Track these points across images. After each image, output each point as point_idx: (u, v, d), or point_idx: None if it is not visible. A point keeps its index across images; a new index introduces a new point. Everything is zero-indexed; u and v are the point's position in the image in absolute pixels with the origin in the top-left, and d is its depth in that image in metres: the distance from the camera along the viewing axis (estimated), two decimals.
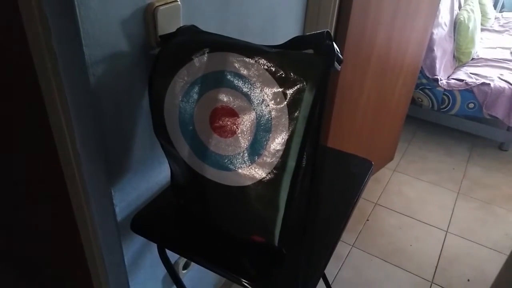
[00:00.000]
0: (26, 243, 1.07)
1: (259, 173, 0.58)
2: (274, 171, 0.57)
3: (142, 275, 0.95)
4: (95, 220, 0.80)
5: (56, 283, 1.11)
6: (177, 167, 0.70)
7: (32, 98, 0.68)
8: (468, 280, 1.55)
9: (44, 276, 1.13)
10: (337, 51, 0.56)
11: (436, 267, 1.60)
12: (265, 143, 0.56)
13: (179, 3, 0.72)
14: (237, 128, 0.58)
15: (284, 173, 0.57)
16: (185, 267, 1.09)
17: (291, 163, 0.56)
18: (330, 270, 1.55)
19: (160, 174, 0.87)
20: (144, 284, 0.98)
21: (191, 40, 0.62)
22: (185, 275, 1.11)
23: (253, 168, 0.58)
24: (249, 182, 0.59)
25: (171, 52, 0.62)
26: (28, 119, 0.76)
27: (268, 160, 0.57)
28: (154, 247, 0.95)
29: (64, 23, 0.57)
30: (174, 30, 0.67)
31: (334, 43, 0.56)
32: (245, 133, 0.57)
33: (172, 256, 0.87)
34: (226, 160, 0.60)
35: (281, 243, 0.65)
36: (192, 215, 0.76)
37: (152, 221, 0.79)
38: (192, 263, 1.11)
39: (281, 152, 0.56)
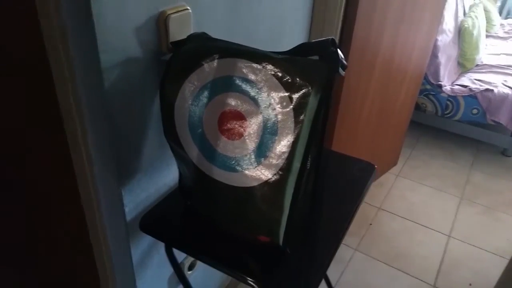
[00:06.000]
0: (33, 243, 1.09)
1: (265, 174, 0.60)
2: (280, 173, 0.59)
3: (149, 274, 0.98)
4: (104, 219, 0.82)
5: (63, 282, 1.13)
6: (185, 169, 0.73)
7: (47, 101, 0.71)
8: (470, 285, 1.56)
9: (51, 275, 1.15)
10: (341, 57, 0.58)
11: (438, 271, 1.61)
12: (271, 145, 0.59)
13: (190, 11, 0.75)
14: (245, 131, 0.60)
15: (289, 174, 0.59)
16: (190, 268, 1.11)
17: (296, 165, 0.59)
18: (333, 274, 1.56)
19: (168, 176, 0.90)
20: (150, 283, 1.00)
21: (201, 47, 0.65)
22: (191, 276, 1.13)
23: (259, 169, 0.60)
24: (255, 183, 0.61)
25: (182, 58, 0.65)
26: (42, 121, 0.79)
27: (274, 161, 0.59)
28: (161, 247, 0.97)
29: (81, 31, 0.59)
30: (185, 37, 0.69)
31: (338, 49, 0.58)
32: (252, 135, 0.60)
33: (178, 257, 0.89)
34: (233, 162, 0.62)
35: (285, 243, 0.67)
36: (199, 216, 0.78)
37: (160, 221, 0.82)
38: (197, 265, 1.13)
39: (286, 154, 0.58)
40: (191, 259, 1.09)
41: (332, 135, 1.61)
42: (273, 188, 0.61)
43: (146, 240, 0.91)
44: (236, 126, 0.61)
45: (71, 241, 0.96)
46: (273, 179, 0.60)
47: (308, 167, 0.63)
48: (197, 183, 0.71)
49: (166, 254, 0.85)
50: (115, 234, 0.85)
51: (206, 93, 0.62)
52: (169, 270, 1.05)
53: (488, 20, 3.09)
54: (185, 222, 0.81)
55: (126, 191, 0.80)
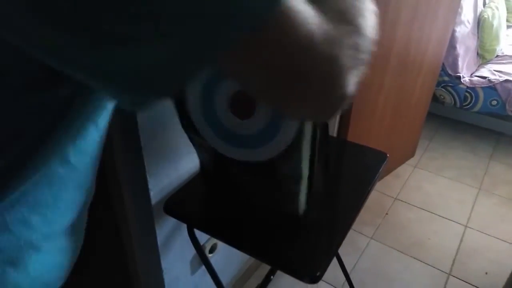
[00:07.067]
0: None
1: (276, 148, 0.66)
2: (290, 148, 0.64)
3: (172, 256, 1.05)
4: (132, 202, 0.89)
5: (91, 265, 1.19)
6: (204, 153, 0.79)
7: None
8: (486, 273, 1.57)
9: (79, 259, 1.22)
10: None
11: (454, 260, 1.64)
12: (280, 122, 0.64)
13: None
14: (255, 110, 0.65)
15: (301, 147, 0.64)
16: (211, 251, 1.18)
17: (306, 140, 0.64)
18: (348, 261, 1.61)
19: (189, 163, 0.96)
20: (173, 264, 1.07)
21: None
22: (211, 259, 1.19)
23: (270, 145, 0.66)
24: (267, 157, 0.67)
25: None
26: None
27: (284, 138, 0.64)
28: (184, 230, 1.04)
29: None
30: None
31: None
32: (262, 114, 0.65)
33: (199, 240, 0.95)
34: (246, 139, 0.68)
35: (306, 212, 0.72)
36: (219, 197, 0.84)
37: (182, 204, 0.88)
38: (218, 248, 1.20)
39: (295, 131, 0.63)
40: (212, 242, 1.16)
41: (347, 127, 1.64)
42: (286, 160, 0.66)
43: (170, 223, 0.98)
44: (247, 106, 0.66)
45: (99, 224, 1.03)
46: (284, 153, 0.65)
47: (316, 145, 0.68)
48: (215, 163, 0.77)
49: (188, 235, 0.91)
50: (141, 216, 0.92)
51: (216, 77, 0.67)
52: (191, 252, 1.12)
53: (510, 10, 3.04)
54: (206, 205, 0.88)
55: (151, 176, 0.86)
